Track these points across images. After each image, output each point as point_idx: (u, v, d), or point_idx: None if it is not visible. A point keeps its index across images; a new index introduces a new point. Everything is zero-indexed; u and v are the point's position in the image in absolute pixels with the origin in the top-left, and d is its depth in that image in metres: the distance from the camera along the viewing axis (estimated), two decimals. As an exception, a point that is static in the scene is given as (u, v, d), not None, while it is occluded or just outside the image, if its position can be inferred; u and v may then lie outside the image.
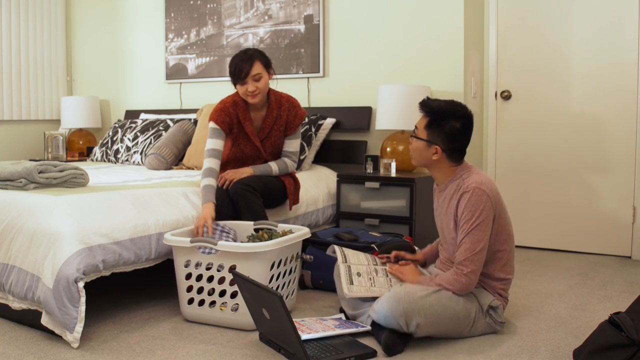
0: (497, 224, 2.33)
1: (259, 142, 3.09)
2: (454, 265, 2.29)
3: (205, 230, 2.68)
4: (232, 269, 2.41)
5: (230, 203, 2.93)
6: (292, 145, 3.19)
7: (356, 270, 2.51)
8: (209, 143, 3.00)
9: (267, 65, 3.01)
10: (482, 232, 2.26)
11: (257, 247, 2.40)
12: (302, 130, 3.86)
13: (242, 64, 2.92)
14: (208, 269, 2.48)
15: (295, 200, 3.26)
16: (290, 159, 3.18)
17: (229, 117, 3.03)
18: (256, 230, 2.80)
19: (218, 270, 2.45)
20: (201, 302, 2.51)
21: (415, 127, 2.45)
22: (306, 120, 4.01)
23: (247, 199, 2.88)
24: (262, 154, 3.13)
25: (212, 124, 3.02)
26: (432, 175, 2.51)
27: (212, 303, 2.49)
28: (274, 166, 3.11)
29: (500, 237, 2.36)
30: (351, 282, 2.44)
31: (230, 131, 3.07)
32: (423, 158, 2.43)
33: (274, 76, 3.11)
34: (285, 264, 2.56)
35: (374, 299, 2.40)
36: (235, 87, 3.01)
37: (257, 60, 2.95)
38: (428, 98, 2.44)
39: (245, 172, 3.01)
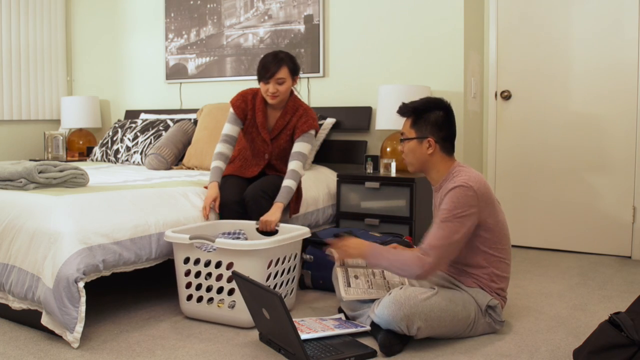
0: (490, 222, 2.32)
1: (267, 137, 3.12)
2: (421, 248, 2.25)
3: (212, 208, 2.90)
4: (229, 267, 2.43)
5: (239, 209, 2.96)
6: (301, 147, 3.07)
7: (353, 273, 2.51)
8: (225, 128, 3.15)
9: (294, 71, 3.06)
10: (461, 225, 2.23)
11: (254, 245, 2.41)
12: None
13: (270, 65, 2.98)
14: (206, 265, 2.50)
15: (295, 210, 3.27)
16: (299, 159, 3.05)
17: (245, 103, 3.12)
18: (258, 230, 2.83)
19: (216, 267, 2.48)
20: (199, 299, 2.55)
21: (402, 133, 2.48)
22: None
23: (259, 204, 2.92)
24: (268, 150, 3.15)
25: (230, 109, 3.15)
26: (427, 178, 2.51)
27: (210, 300, 2.52)
28: (291, 184, 3.00)
29: (494, 236, 2.35)
30: (348, 285, 2.44)
31: (245, 118, 3.13)
32: (418, 158, 2.43)
33: (299, 79, 3.16)
34: (283, 263, 2.57)
35: (372, 300, 2.41)
36: (259, 84, 3.07)
37: (285, 66, 3.00)
38: (403, 103, 2.47)
39: (278, 211, 2.88)
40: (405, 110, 2.45)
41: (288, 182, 3.00)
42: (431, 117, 2.39)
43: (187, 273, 2.55)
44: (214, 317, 2.53)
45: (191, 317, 2.59)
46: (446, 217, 2.24)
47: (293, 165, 3.04)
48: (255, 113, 3.11)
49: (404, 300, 2.17)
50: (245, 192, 3.00)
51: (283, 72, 2.99)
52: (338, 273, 2.49)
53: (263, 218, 2.81)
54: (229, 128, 3.13)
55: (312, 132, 3.11)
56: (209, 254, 2.49)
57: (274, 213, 2.85)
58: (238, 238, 2.78)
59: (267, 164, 3.19)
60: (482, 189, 2.30)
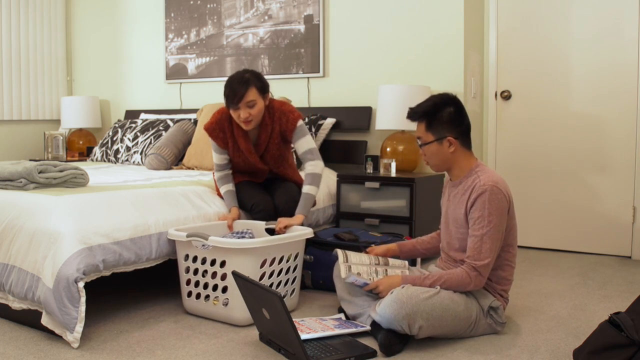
0: (508, 224, 2.34)
1: (256, 158, 3.00)
2: (473, 263, 2.26)
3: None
4: (222, 266, 2.47)
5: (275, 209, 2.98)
6: (303, 145, 2.97)
7: (356, 271, 2.50)
8: (214, 157, 3.06)
9: (264, 90, 2.86)
10: (499, 232, 2.28)
11: (246, 243, 2.43)
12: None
13: (237, 88, 2.78)
14: (203, 263, 2.54)
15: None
16: (311, 159, 2.96)
17: (223, 132, 2.97)
18: (267, 230, 2.83)
19: (211, 265, 2.51)
20: (198, 296, 2.59)
21: (418, 138, 2.46)
22: (306, 120, 4.00)
23: (291, 212, 2.92)
24: (264, 168, 3.08)
25: (210, 139, 3.02)
26: (448, 174, 2.50)
27: (207, 297, 2.57)
28: (312, 190, 2.94)
29: (507, 239, 2.37)
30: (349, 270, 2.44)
31: (226, 145, 3.00)
32: (442, 159, 2.41)
33: (272, 83, 3.05)
34: (280, 262, 2.58)
35: (374, 299, 2.41)
36: (229, 110, 2.88)
37: (253, 86, 2.81)
38: (410, 108, 2.45)
39: (296, 220, 2.84)
40: (415, 115, 2.42)
41: (307, 189, 2.93)
42: (444, 116, 2.38)
43: (187, 270, 2.60)
44: (211, 314, 2.57)
45: (191, 313, 2.64)
46: (484, 226, 2.26)
47: (309, 167, 2.95)
48: (237, 140, 2.96)
49: (406, 299, 2.17)
50: (276, 200, 2.99)
51: (252, 94, 2.79)
52: (341, 269, 2.48)
53: (282, 220, 2.79)
54: (219, 158, 3.02)
55: (300, 122, 2.97)
56: (205, 252, 2.52)
57: (292, 220, 2.81)
58: (243, 237, 2.79)
59: (269, 172, 3.15)
60: (509, 191, 2.33)
